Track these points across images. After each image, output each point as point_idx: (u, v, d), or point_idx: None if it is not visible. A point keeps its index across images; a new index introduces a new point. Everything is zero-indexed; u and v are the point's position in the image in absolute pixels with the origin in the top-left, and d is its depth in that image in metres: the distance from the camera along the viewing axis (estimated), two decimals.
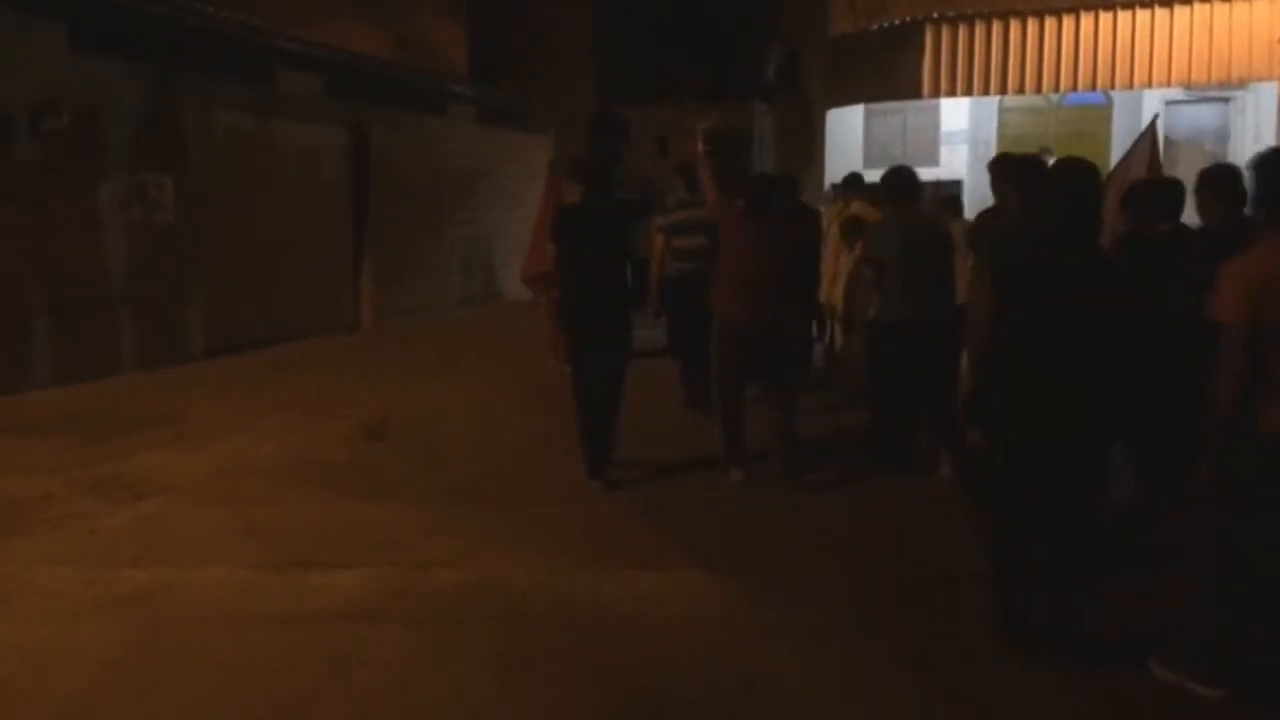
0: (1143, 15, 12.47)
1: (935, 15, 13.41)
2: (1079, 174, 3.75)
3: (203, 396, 8.35)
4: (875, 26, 14.17)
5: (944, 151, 14.90)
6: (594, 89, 28.81)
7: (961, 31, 13.34)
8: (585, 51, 27.57)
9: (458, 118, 14.59)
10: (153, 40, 9.26)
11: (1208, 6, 12.26)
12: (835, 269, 7.77)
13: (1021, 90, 13.35)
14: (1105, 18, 12.64)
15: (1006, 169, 5.45)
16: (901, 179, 5.93)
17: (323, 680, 3.62)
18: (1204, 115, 14.57)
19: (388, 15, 19.44)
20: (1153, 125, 8.10)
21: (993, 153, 15.22)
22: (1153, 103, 14.45)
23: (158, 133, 9.36)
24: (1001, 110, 15.21)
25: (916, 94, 13.80)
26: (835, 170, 15.09)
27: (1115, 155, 15.11)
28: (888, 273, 5.79)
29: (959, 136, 15.44)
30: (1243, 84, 12.95)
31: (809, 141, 16.43)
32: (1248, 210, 3.85)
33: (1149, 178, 6.34)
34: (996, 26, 13.16)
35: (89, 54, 8.66)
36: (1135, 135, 14.58)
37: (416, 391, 8.71)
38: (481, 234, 14.89)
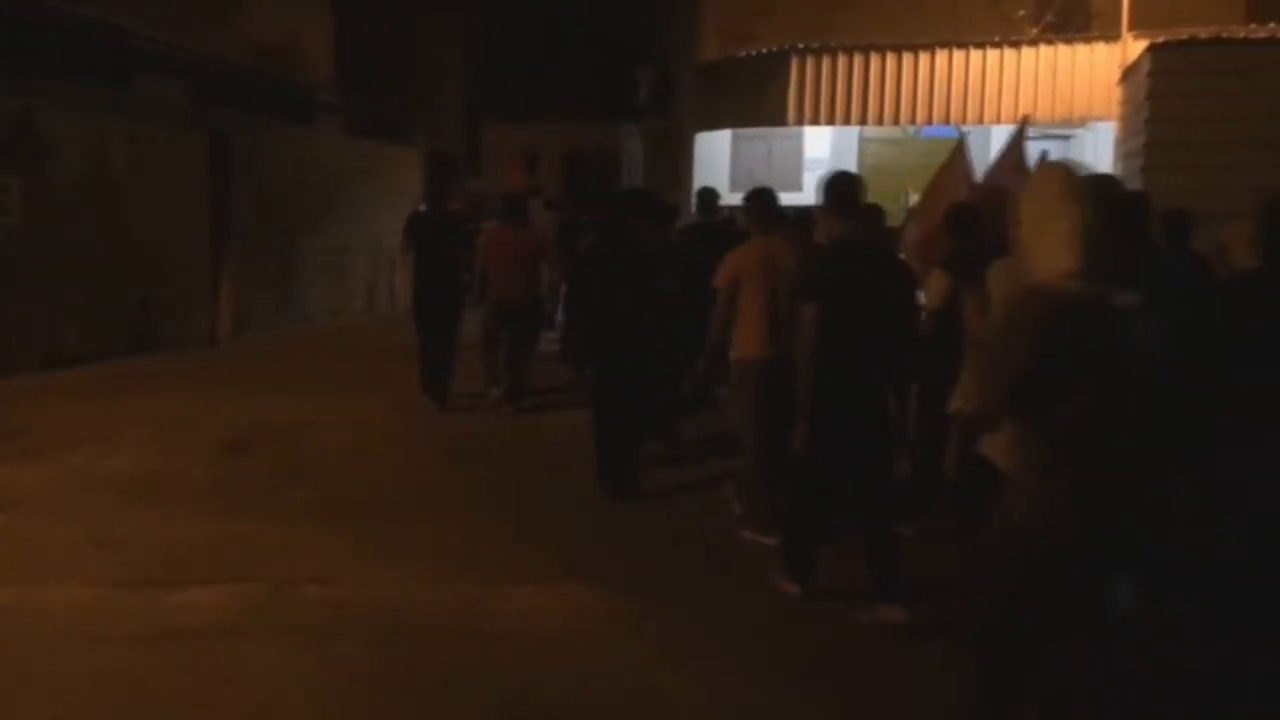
0: (993, 54, 13.14)
1: (800, 46, 13.86)
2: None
3: (48, 409, 7.95)
4: (743, 54, 14.54)
5: (807, 178, 15.34)
6: (465, 105, 28.69)
7: (825, 63, 13.81)
8: (458, 67, 27.39)
9: (325, 127, 14.31)
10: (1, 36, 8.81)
11: (1052, 49, 13.02)
12: None
13: (880, 121, 13.90)
14: (959, 55, 13.28)
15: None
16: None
17: (185, 699, 3.51)
18: (1047, 150, 15.41)
19: (253, 21, 18.95)
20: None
21: None
22: (1001, 138, 15.23)
23: (4, 132, 8.89)
24: (862, 140, 15.78)
25: (781, 121, 14.22)
26: None
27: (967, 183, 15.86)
28: None
29: (822, 164, 15.91)
30: (1083, 123, 13.77)
31: (677, 163, 16.71)
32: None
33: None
34: (858, 60, 13.68)
35: None
36: (984, 167, 15.38)
37: (278, 406, 8.44)
38: (347, 246, 14.60)
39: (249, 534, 5.21)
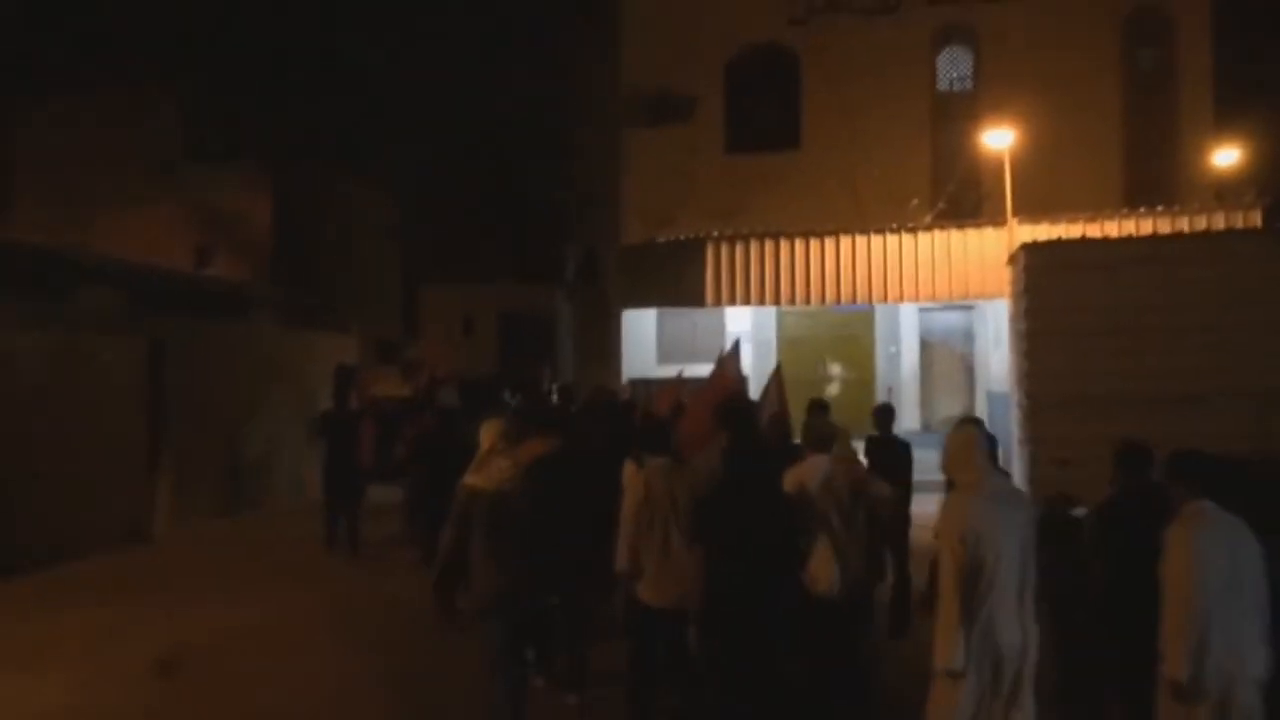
0: (892, 239, 14.12)
1: (715, 234, 14.77)
2: None
3: None
4: (662, 239, 15.42)
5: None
6: (401, 271, 29.59)
7: (739, 248, 14.72)
8: (392, 241, 28.37)
9: (259, 320, 14.76)
10: None
11: (946, 234, 14.03)
12: None
13: (792, 302, 14.74)
14: (861, 240, 14.24)
15: None
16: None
17: None
18: (952, 320, 16.41)
19: (193, 208, 19.55)
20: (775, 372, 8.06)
21: (773, 351, 16.58)
22: (909, 309, 16.20)
23: None
24: (780, 314, 16.64)
25: (700, 302, 15.03)
26: (631, 364, 16.02)
27: (879, 352, 16.73)
28: None
29: (744, 336, 16.73)
30: (979, 299, 14.77)
31: (606, 334, 17.40)
32: None
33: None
34: (769, 245, 14.60)
35: None
36: (894, 337, 16.28)
37: (213, 615, 8.42)
38: (283, 435, 14.85)
39: None
